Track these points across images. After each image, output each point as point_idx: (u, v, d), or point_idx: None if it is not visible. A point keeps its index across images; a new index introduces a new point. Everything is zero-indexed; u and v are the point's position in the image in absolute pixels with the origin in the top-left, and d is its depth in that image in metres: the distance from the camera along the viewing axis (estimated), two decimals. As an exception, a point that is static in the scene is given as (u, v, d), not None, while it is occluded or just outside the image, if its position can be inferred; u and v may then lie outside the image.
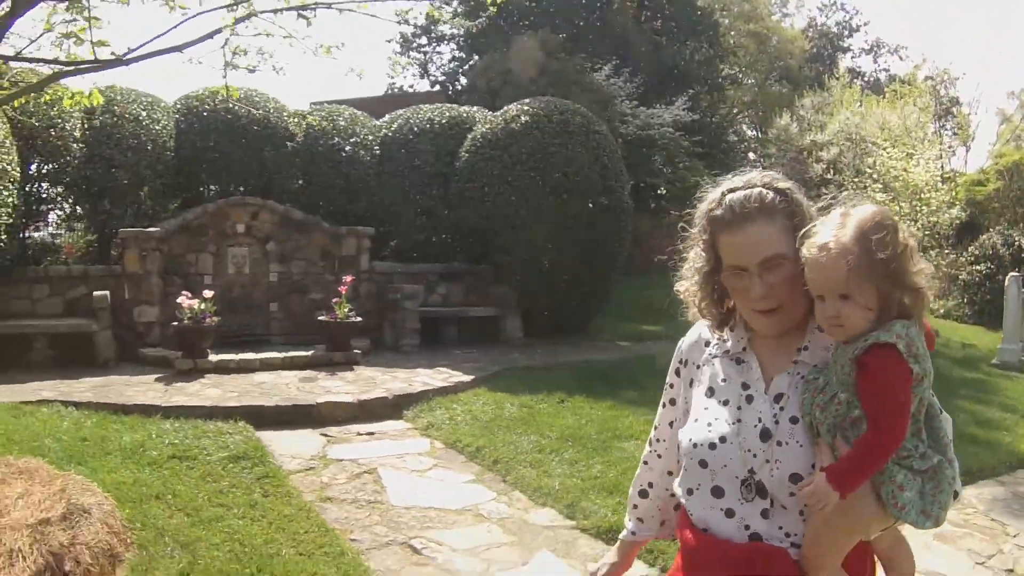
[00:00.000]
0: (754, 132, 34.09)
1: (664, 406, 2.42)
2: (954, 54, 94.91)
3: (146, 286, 10.91)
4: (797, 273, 2.00)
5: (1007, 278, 16.13)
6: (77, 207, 12.38)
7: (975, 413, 10.04)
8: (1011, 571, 5.56)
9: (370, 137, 14.12)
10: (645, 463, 2.50)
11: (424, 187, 13.64)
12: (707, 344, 2.29)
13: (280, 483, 5.99)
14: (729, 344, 2.22)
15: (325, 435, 7.70)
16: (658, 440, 2.45)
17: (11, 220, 10.38)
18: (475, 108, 15.10)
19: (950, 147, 40.25)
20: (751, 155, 29.05)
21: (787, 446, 2.01)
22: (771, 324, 2.09)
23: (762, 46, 36.02)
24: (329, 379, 9.62)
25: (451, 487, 6.52)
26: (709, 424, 2.12)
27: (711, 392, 2.19)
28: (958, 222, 23.14)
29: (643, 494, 2.49)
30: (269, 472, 6.15)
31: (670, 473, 2.40)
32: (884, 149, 21.56)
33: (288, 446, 7.14)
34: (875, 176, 20.56)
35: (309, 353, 10.52)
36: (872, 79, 42.65)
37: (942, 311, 23.34)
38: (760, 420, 2.06)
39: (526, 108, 13.56)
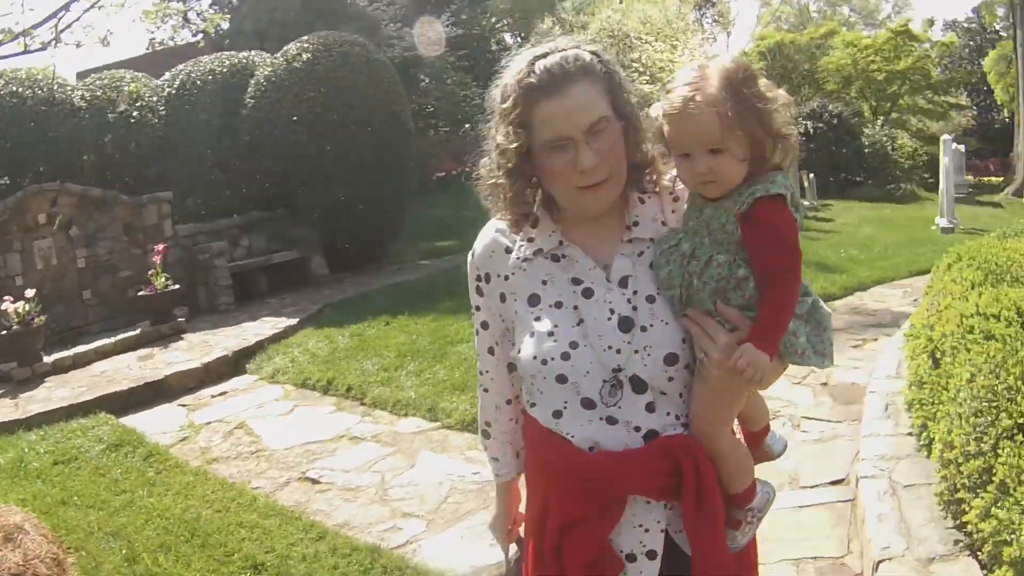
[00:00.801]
0: (515, 39, 34.66)
1: (478, 332, 2.22)
2: None
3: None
4: (620, 140, 1.90)
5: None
6: None
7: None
8: (825, 383, 7.10)
9: (154, 99, 14.14)
10: (481, 400, 2.34)
11: (215, 141, 13.84)
12: (508, 251, 2.07)
13: (166, 458, 6.55)
14: (539, 242, 2.03)
15: (183, 405, 8.24)
16: (484, 372, 2.26)
17: None
18: (254, 52, 15.26)
19: (711, 35, 42.73)
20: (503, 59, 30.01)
21: (652, 329, 1.90)
22: (599, 199, 1.92)
23: None
24: (165, 352, 10.01)
25: (319, 420, 7.34)
26: (550, 333, 1.94)
27: (535, 299, 2.00)
28: None
29: (485, 434, 2.35)
30: (151, 451, 6.67)
31: (508, 402, 2.26)
32: (648, 43, 22.63)
33: (154, 424, 7.64)
34: (641, 69, 21.58)
35: (137, 332, 10.74)
36: None
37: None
38: (613, 311, 1.92)
39: (305, 46, 13.91)
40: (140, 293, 11.16)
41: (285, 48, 14.24)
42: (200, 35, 16.94)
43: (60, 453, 6.71)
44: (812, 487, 5.22)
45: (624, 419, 1.90)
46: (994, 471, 3.66)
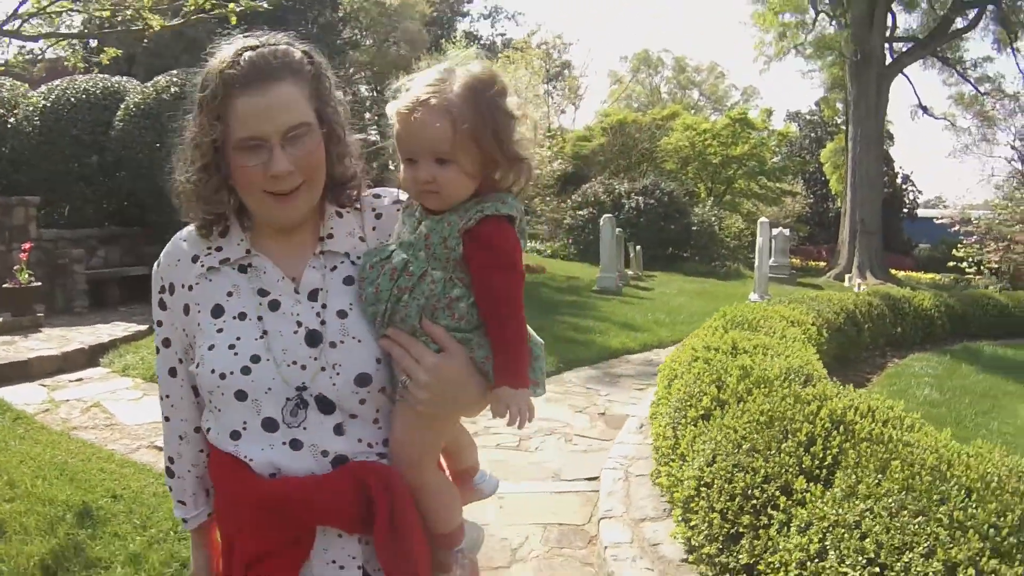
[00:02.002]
0: (370, 92, 35.95)
1: (159, 351, 2.01)
2: (568, 21, 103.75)
3: None
4: (319, 150, 1.80)
5: (602, 219, 20.46)
6: None
7: (574, 324, 13.76)
8: (603, 413, 8.78)
9: (31, 108, 14.98)
10: (163, 432, 2.09)
11: (83, 155, 14.84)
12: (195, 259, 1.92)
13: (31, 422, 7.60)
14: (226, 251, 1.90)
15: (43, 385, 9.26)
16: (165, 397, 2.04)
17: None
18: (126, 79, 16.33)
19: (560, 108, 44.89)
20: (367, 114, 30.94)
21: (343, 345, 1.80)
22: (290, 208, 1.81)
23: (382, 9, 37.69)
24: (25, 341, 10.94)
25: (165, 408, 8.46)
26: (231, 346, 1.81)
27: (219, 310, 1.87)
28: (559, 174, 26.74)
29: (169, 472, 2.09)
30: (18, 415, 7.71)
31: (197, 430, 2.02)
32: None
33: (18, 397, 8.60)
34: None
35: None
36: (489, 42, 46.07)
37: (549, 251, 27.58)
38: (300, 324, 1.82)
39: (174, 79, 14.96)
40: (4, 285, 12.02)
41: (156, 79, 15.33)
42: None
43: None
44: (570, 480, 6.71)
45: (310, 442, 1.78)
46: (678, 446, 5.27)
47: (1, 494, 5.67)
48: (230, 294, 1.87)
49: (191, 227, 1.94)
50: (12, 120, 14.61)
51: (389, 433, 1.85)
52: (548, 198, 27.71)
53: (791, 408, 4.69)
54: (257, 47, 1.78)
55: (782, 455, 4.26)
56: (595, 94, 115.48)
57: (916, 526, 3.38)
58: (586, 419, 8.58)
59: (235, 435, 1.82)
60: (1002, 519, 3.36)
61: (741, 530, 4.10)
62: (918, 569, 3.17)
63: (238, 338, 1.81)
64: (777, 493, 4.07)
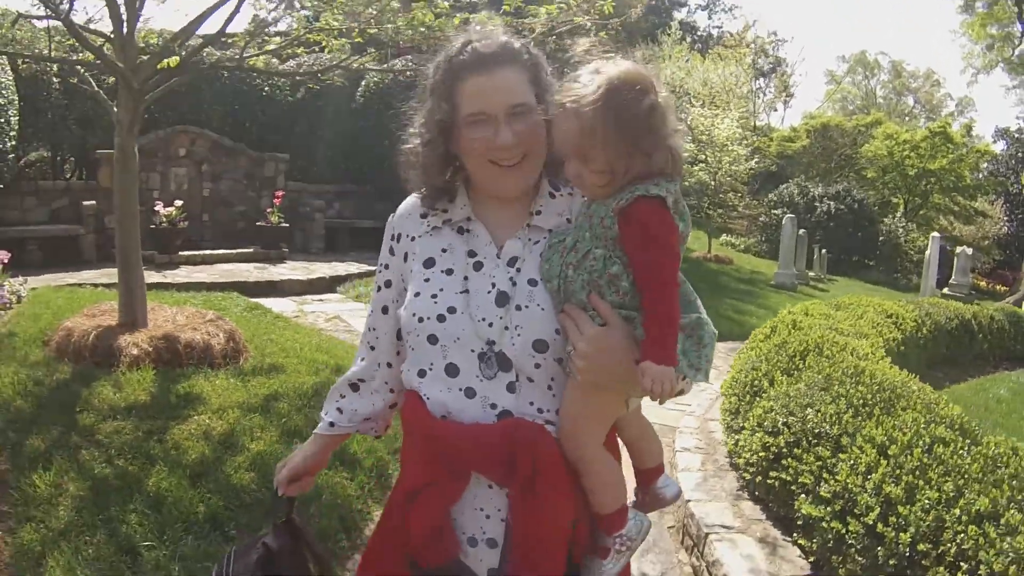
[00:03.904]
0: None
1: (379, 289, 2.17)
2: (785, 16, 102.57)
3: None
4: (540, 129, 1.90)
5: (784, 219, 20.99)
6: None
7: (736, 307, 14.78)
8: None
9: (282, 80, 17.00)
10: (361, 359, 2.23)
11: (326, 124, 16.91)
12: (423, 216, 2.08)
13: (287, 321, 9.32)
14: (450, 213, 2.04)
15: (293, 300, 11.10)
16: (372, 329, 2.20)
17: (13, 143, 12.59)
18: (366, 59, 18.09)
19: (772, 106, 44.27)
20: None
21: (527, 310, 1.88)
22: (513, 178, 1.93)
23: None
24: (274, 268, 12.93)
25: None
26: (434, 296, 1.93)
27: (431, 263, 1.99)
28: (753, 172, 27.13)
29: (354, 387, 2.24)
30: (278, 316, 9.46)
31: (389, 365, 2.18)
32: (694, 107, 24.68)
33: (275, 306, 10.40)
34: (686, 130, 23.70)
35: (251, 250, 13.83)
36: (706, 34, 45.69)
37: (743, 246, 27.95)
38: (494, 285, 1.91)
39: (409, 63, 16.55)
40: (258, 223, 14.06)
41: (392, 62, 17.00)
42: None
43: (214, 306, 9.26)
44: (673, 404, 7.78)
45: (483, 393, 1.86)
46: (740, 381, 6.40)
47: (281, 354, 7.27)
48: (444, 251, 1.99)
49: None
50: (267, 89, 16.62)
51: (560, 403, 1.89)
52: (746, 197, 28.06)
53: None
54: (481, 39, 1.93)
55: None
56: (808, 92, 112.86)
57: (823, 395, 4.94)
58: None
59: (421, 373, 1.93)
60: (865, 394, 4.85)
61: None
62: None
63: (441, 289, 1.92)
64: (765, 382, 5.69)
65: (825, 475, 4.20)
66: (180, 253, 12.89)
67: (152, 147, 14.01)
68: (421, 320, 1.91)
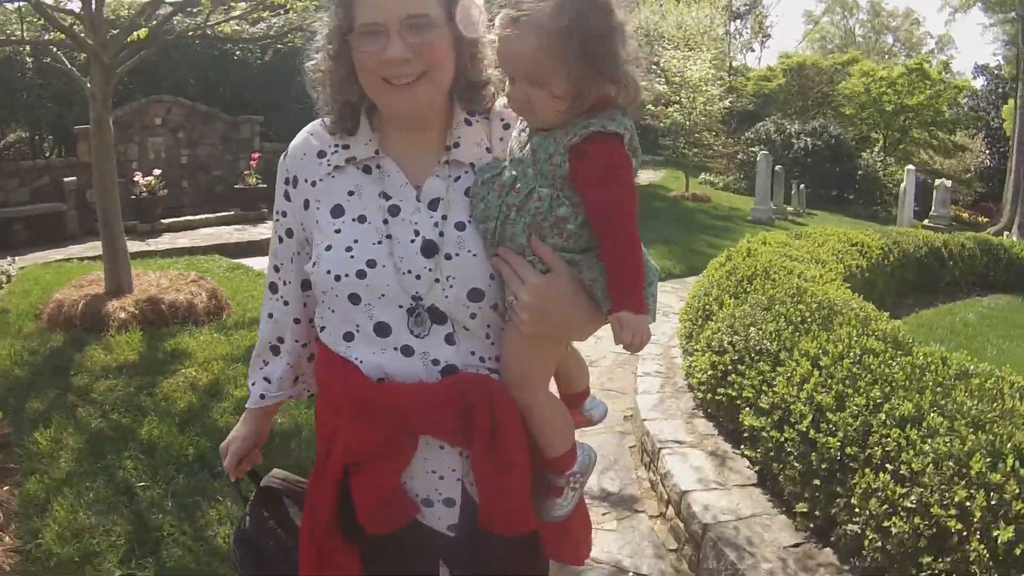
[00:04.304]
0: None
1: (281, 240, 1.94)
2: None
3: (94, 172, 13.86)
4: (443, 43, 1.69)
5: (759, 155, 21.35)
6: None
7: (712, 242, 15.15)
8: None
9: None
10: (270, 316, 2.04)
11: (297, 85, 16.78)
12: (321, 155, 1.83)
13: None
14: (353, 150, 1.80)
15: (273, 259, 11.40)
16: (284, 283, 1.98)
17: None
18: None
19: (748, 46, 43.95)
20: None
21: (458, 258, 1.71)
22: (407, 99, 1.70)
23: None
24: (254, 228, 13.29)
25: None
26: (348, 248, 1.73)
27: (339, 210, 1.78)
28: (728, 112, 27.29)
29: (274, 350, 2.06)
30: (259, 273, 9.71)
31: (297, 321, 2.00)
32: (667, 50, 24.86)
33: (256, 264, 10.64)
34: (657, 72, 23.58)
35: (232, 213, 14.14)
36: None
37: (721, 184, 28.23)
38: (418, 233, 1.72)
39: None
40: (236, 186, 14.35)
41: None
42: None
43: (198, 269, 9.57)
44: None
45: (422, 350, 1.72)
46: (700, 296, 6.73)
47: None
48: (351, 193, 1.79)
49: (318, 122, 1.88)
50: (238, 53, 16.73)
51: (499, 351, 1.77)
52: (722, 136, 28.21)
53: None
54: None
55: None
56: (786, 33, 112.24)
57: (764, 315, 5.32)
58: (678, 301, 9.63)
59: (348, 336, 1.77)
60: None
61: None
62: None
63: (356, 241, 1.73)
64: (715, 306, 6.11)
65: (765, 388, 4.47)
66: (162, 221, 13.17)
67: (128, 118, 14.21)
68: (338, 278, 1.72)
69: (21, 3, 7.69)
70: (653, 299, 1.71)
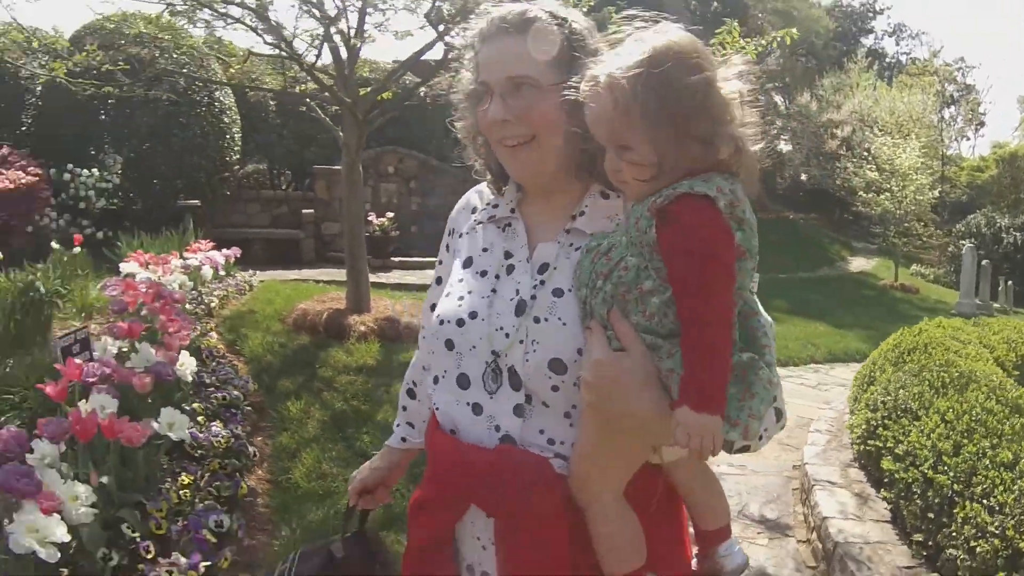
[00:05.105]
0: (783, 101, 35.83)
1: (432, 287, 2.00)
2: (974, 42, 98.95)
3: (331, 208, 15.17)
4: (550, 108, 1.62)
5: (964, 248, 20.71)
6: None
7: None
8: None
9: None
10: (415, 359, 2.10)
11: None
12: (473, 211, 1.90)
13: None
14: (497, 209, 1.83)
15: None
16: (424, 327, 2.03)
17: (237, 157, 14.91)
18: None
19: (963, 134, 42.35)
20: (778, 122, 30.91)
21: (546, 323, 1.62)
22: (517, 162, 1.70)
23: (788, 24, 38.14)
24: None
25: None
26: (461, 297, 1.75)
27: (469, 262, 1.81)
28: (937, 202, 26.45)
29: (410, 394, 2.10)
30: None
31: None
32: (878, 136, 24.26)
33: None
34: (869, 158, 23.52)
35: (457, 259, 14.98)
36: (894, 61, 44.35)
37: (932, 276, 27.39)
38: (517, 292, 1.69)
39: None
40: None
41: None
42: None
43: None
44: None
45: (489, 412, 1.66)
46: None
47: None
48: (484, 250, 1.79)
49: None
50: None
51: None
52: (930, 227, 27.35)
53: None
54: (504, 7, 1.71)
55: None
56: (1000, 121, 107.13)
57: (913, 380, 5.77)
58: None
59: (435, 380, 1.78)
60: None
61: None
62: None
63: (469, 292, 1.74)
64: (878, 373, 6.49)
65: (902, 438, 5.04)
66: (391, 259, 14.28)
67: (363, 164, 15.21)
68: (442, 322, 1.74)
69: (284, 56, 8.74)
70: (751, 416, 1.43)
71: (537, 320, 1.62)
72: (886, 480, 5.03)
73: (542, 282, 1.66)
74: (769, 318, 1.59)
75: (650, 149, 1.43)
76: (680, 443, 1.37)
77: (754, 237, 1.47)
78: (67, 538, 3.00)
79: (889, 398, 5.65)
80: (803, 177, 30.61)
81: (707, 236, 1.39)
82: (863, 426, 5.76)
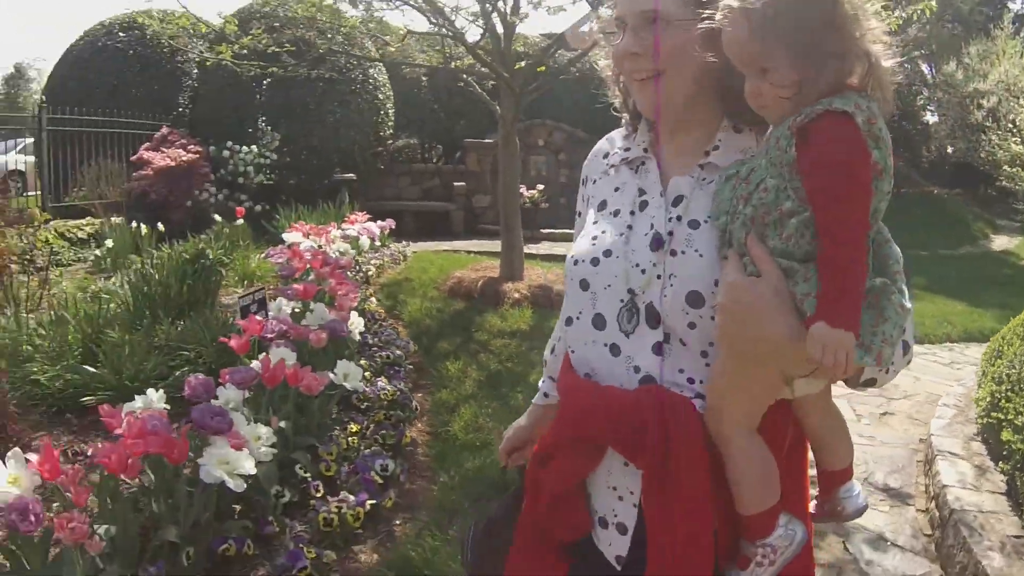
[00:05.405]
0: (928, 69, 34.29)
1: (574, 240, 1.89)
2: None
3: (482, 180, 15.59)
4: (679, 43, 1.58)
5: None
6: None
7: None
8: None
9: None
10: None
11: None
12: (605, 156, 1.85)
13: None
14: (629, 151, 1.78)
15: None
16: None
17: (391, 132, 15.48)
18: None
19: None
20: (924, 91, 29.73)
21: (683, 256, 1.56)
22: (644, 96, 1.65)
23: None
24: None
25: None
26: (595, 237, 1.70)
27: (603, 205, 1.77)
28: None
29: (552, 349, 2.04)
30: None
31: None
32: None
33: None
34: (1015, 130, 22.28)
35: (602, 232, 15.14)
36: None
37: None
38: (652, 227, 1.63)
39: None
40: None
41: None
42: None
43: None
44: None
45: (627, 353, 1.59)
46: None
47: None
48: (617, 190, 1.76)
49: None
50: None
51: None
52: None
53: None
54: None
55: None
56: None
57: None
58: None
59: (568, 322, 1.72)
60: None
61: None
62: None
63: (603, 231, 1.69)
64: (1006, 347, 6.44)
65: (1022, 410, 4.97)
66: (541, 231, 14.46)
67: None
68: (576, 263, 1.69)
69: (444, 35, 9.10)
70: (884, 342, 1.39)
71: (674, 253, 1.56)
72: (1004, 452, 5.03)
73: (678, 217, 1.59)
74: (898, 249, 1.52)
75: (789, 68, 1.41)
76: (815, 357, 1.32)
77: (890, 156, 1.43)
78: (254, 471, 3.30)
79: (1014, 371, 5.56)
80: (949, 150, 29.34)
81: (846, 151, 1.37)
82: (987, 399, 5.70)
